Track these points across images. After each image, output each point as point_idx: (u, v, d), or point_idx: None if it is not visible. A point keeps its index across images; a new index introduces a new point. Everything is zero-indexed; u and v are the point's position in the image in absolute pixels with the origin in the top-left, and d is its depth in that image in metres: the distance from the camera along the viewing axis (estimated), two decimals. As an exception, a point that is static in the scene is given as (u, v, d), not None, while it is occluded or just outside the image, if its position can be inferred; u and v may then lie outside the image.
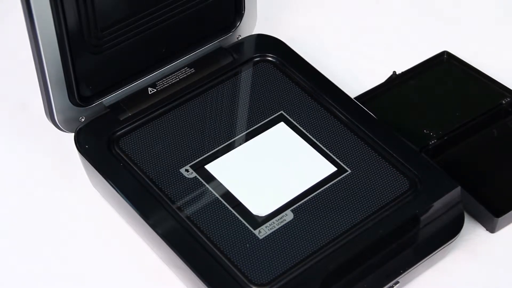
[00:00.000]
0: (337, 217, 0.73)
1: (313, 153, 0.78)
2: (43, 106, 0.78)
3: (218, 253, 0.71)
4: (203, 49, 0.87)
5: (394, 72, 0.93)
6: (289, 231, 0.73)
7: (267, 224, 0.73)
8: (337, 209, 0.74)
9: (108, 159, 0.78)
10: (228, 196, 0.75)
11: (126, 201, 0.75)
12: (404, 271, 0.73)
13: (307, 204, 0.74)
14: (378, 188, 0.76)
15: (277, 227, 0.73)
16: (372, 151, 0.78)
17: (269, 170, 0.77)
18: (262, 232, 0.72)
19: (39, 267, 0.79)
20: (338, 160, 0.78)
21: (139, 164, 0.77)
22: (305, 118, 0.81)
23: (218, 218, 0.74)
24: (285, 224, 0.73)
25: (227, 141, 0.79)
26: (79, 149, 0.79)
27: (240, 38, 0.89)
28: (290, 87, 0.84)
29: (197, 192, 0.76)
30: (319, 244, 0.72)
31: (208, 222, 0.73)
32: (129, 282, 0.78)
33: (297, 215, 0.74)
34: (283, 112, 0.82)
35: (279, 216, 0.74)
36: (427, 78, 0.93)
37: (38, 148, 0.89)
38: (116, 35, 0.79)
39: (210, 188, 0.76)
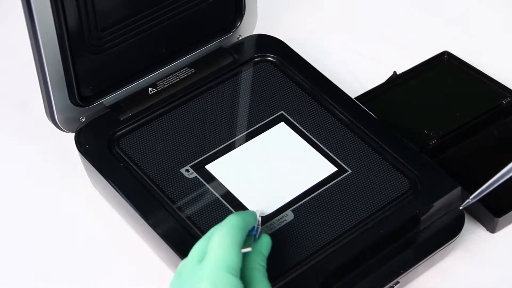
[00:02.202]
0: (337, 217, 0.73)
1: (314, 153, 0.78)
2: (44, 106, 0.78)
3: (219, 253, 0.71)
4: (204, 49, 0.87)
5: (394, 72, 0.93)
6: (289, 231, 0.73)
7: (267, 224, 0.73)
8: (337, 209, 0.74)
9: (108, 159, 0.78)
10: (228, 196, 0.75)
11: (126, 201, 0.75)
12: (404, 271, 0.73)
13: (307, 204, 0.74)
14: (379, 188, 0.76)
15: (277, 227, 0.73)
16: (373, 151, 0.78)
17: (270, 170, 0.77)
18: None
19: (38, 266, 0.79)
20: (338, 160, 0.78)
21: (139, 164, 0.77)
22: (305, 118, 0.81)
23: (218, 218, 0.74)
24: (285, 224, 0.73)
25: (228, 141, 0.79)
26: (80, 149, 0.79)
27: (240, 38, 0.89)
28: (291, 87, 0.84)
29: (197, 192, 0.76)
30: (319, 244, 0.72)
31: (208, 222, 0.73)
32: (129, 282, 0.78)
33: (298, 215, 0.74)
34: (283, 112, 0.82)
35: (279, 216, 0.74)
36: (427, 78, 0.93)
37: (38, 148, 0.89)
38: (116, 35, 0.79)
39: (210, 188, 0.76)
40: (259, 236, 0.67)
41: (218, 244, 0.62)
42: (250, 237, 0.66)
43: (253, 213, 0.68)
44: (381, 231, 0.73)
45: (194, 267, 0.62)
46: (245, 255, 0.65)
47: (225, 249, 0.61)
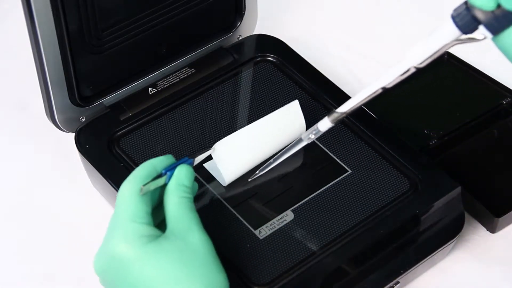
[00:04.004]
0: (337, 217, 0.73)
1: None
2: (44, 106, 0.78)
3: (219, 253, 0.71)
4: (204, 49, 0.87)
5: (395, 72, 0.93)
6: (289, 231, 0.73)
7: (268, 224, 0.73)
8: (337, 209, 0.74)
9: (108, 159, 0.78)
10: (229, 195, 0.75)
11: (127, 201, 0.75)
12: (404, 271, 0.73)
13: (307, 204, 0.74)
14: (379, 188, 0.76)
15: (277, 227, 0.73)
16: (373, 151, 0.78)
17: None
18: (263, 232, 0.72)
19: (38, 266, 0.79)
20: (338, 161, 0.78)
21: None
22: (305, 118, 0.81)
23: (218, 218, 0.73)
24: (286, 224, 0.73)
25: (228, 141, 0.79)
26: (80, 149, 0.79)
27: (240, 38, 0.89)
28: (291, 87, 0.84)
29: (197, 192, 0.75)
30: (319, 244, 0.72)
31: (208, 222, 0.73)
32: (130, 282, 0.78)
33: (298, 215, 0.74)
34: (283, 112, 0.82)
35: (279, 216, 0.74)
36: (427, 78, 0.93)
37: (38, 148, 0.89)
38: (116, 35, 0.79)
39: (210, 188, 0.76)
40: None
41: (119, 196, 0.65)
42: (163, 178, 0.66)
43: (163, 157, 0.68)
44: (381, 231, 0.73)
45: (113, 218, 0.66)
46: (164, 192, 0.66)
47: (124, 200, 0.65)
